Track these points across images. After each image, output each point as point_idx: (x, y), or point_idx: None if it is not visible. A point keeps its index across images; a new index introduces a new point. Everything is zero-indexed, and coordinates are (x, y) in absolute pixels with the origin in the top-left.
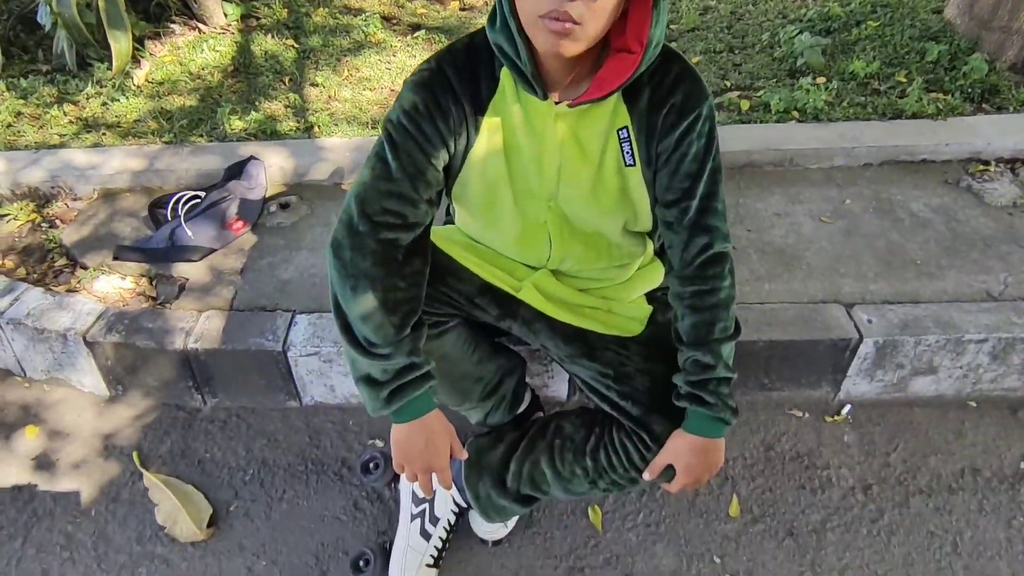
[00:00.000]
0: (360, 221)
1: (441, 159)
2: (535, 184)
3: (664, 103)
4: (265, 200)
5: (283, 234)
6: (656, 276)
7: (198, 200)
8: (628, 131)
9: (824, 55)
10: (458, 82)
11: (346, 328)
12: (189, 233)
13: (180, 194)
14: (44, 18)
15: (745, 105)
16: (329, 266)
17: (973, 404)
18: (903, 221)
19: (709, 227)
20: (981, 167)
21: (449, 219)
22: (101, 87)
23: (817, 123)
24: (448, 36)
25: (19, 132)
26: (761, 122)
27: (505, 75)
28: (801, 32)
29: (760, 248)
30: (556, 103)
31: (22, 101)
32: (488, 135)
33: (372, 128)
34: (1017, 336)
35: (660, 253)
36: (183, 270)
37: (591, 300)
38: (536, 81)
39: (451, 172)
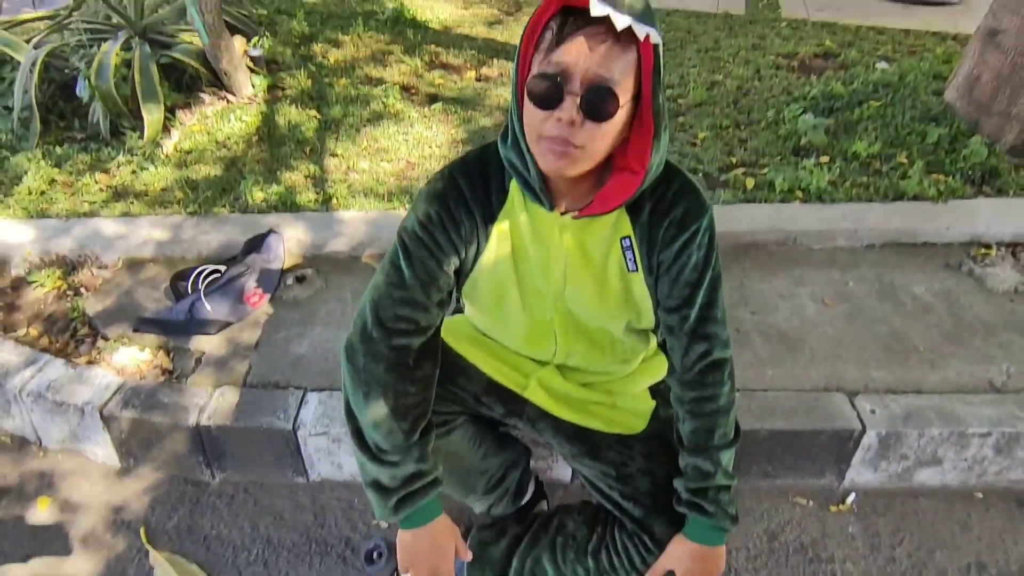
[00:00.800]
0: (374, 328)
1: (452, 265)
2: (542, 286)
3: (665, 217)
4: (282, 273)
5: (298, 308)
6: (659, 369)
7: (218, 275)
8: (631, 240)
9: (827, 134)
10: (470, 192)
11: (357, 434)
12: (208, 307)
13: (201, 268)
14: (83, 91)
15: (750, 183)
16: (343, 371)
17: (979, 495)
18: (905, 305)
19: (708, 334)
20: (983, 251)
21: (459, 306)
22: (132, 155)
23: (820, 203)
24: (463, 107)
25: (51, 199)
26: (765, 201)
27: (514, 186)
28: (805, 112)
29: (763, 331)
30: (562, 214)
31: (56, 169)
32: (498, 241)
33: (388, 201)
34: (1021, 431)
35: (663, 345)
36: (200, 343)
37: (595, 395)
38: (543, 194)
39: (462, 274)
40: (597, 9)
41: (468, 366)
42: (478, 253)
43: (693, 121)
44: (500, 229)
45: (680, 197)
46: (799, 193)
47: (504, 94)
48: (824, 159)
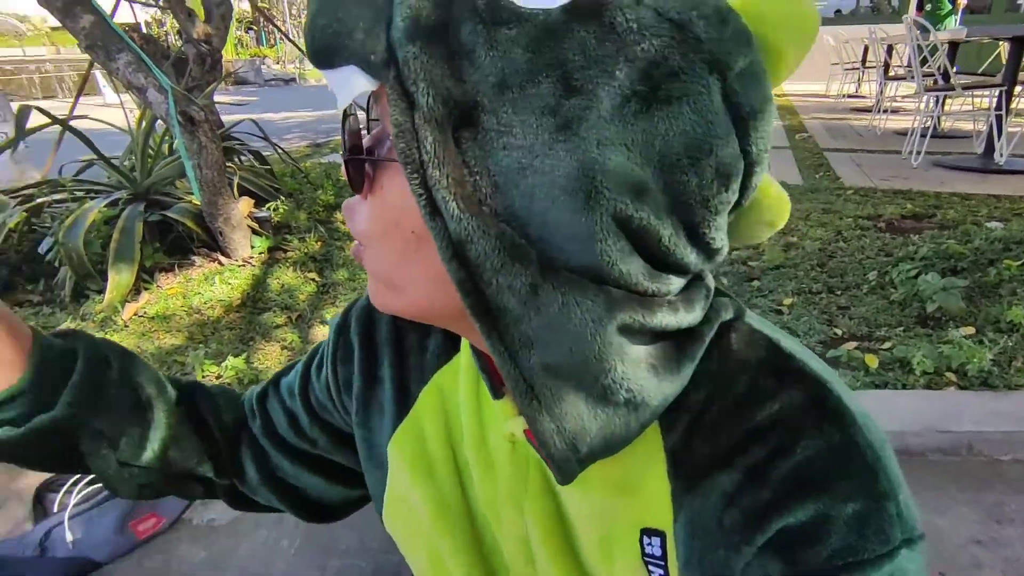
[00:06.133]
0: None
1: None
2: (503, 549)
3: (758, 483)
4: None
5: (212, 539)
6: None
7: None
8: (662, 543)
9: (963, 300)
10: (389, 318)
11: None
12: (69, 537)
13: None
14: (45, 248)
15: (872, 362)
16: None
17: None
18: None
19: None
20: None
21: None
22: (83, 321)
23: (990, 391)
24: None
25: None
26: (904, 385)
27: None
28: (920, 272)
29: None
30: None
31: None
32: (418, 431)
33: None
34: None
35: None
36: None
37: None
38: (480, 361)
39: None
40: None
41: None
42: (373, 447)
43: (773, 285)
44: (428, 402)
45: (803, 429)
46: (951, 375)
47: None
48: (968, 330)
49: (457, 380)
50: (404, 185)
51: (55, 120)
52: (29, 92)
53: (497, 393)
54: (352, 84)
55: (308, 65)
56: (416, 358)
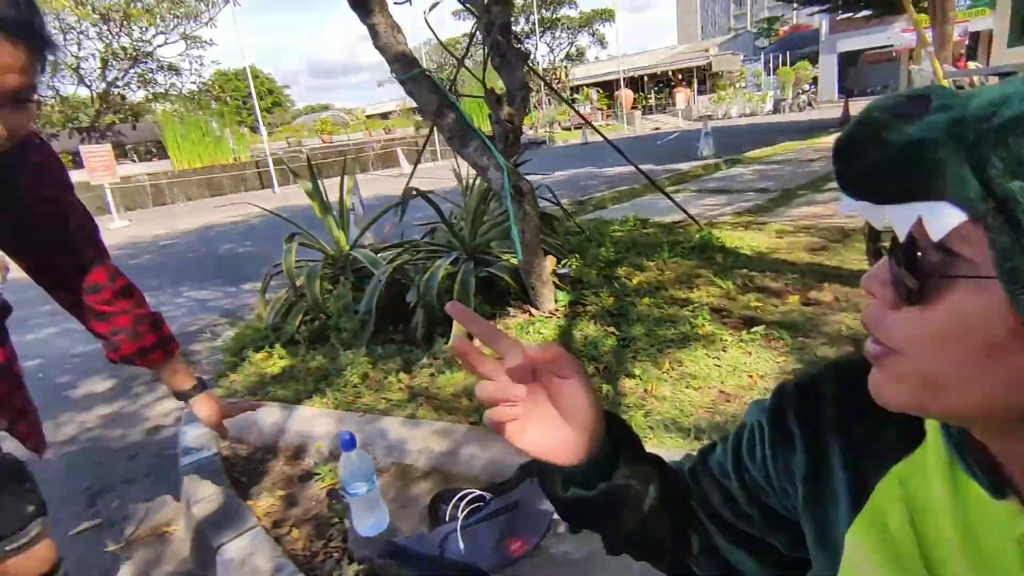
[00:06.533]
0: None
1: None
2: None
3: None
4: (554, 516)
5: (569, 570)
6: None
7: (481, 503)
8: None
9: None
10: (835, 404)
11: None
12: (461, 545)
13: (465, 492)
14: (411, 297)
15: None
16: None
17: None
18: None
19: None
20: None
21: None
22: (435, 359)
23: None
24: (791, 333)
25: (359, 394)
26: None
27: (934, 428)
28: None
29: None
30: None
31: (372, 366)
32: (880, 523)
33: (695, 439)
34: None
35: None
36: None
37: None
38: (973, 459)
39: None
40: None
41: None
42: (824, 533)
43: None
44: (886, 496)
45: None
46: None
47: (846, 320)
48: None
49: (923, 474)
50: (981, 300)
51: (419, 193)
52: (354, 169)
53: (1000, 493)
54: (944, 217)
55: (556, 129)
56: (870, 447)
